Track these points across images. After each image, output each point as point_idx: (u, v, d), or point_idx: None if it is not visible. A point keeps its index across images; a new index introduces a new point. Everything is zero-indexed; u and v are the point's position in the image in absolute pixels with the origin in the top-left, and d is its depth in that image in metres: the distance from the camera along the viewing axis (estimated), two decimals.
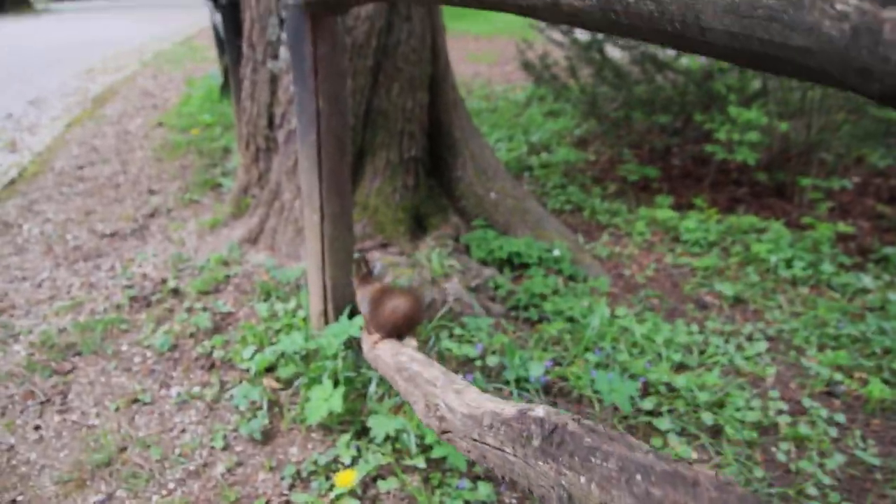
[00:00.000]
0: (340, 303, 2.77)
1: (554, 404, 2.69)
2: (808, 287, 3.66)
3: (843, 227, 4.09)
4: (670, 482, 0.88)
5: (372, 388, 2.57)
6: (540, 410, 1.18)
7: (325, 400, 2.42)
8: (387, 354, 2.16)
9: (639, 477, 0.92)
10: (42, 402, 2.67)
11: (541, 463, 1.08)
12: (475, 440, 1.37)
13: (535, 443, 1.12)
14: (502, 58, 10.59)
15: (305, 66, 2.27)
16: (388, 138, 3.61)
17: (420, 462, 2.31)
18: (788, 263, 3.82)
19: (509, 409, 1.28)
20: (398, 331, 2.32)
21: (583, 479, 0.99)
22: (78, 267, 3.76)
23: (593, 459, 0.99)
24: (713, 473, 0.88)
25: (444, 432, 1.57)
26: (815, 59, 0.60)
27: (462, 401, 1.51)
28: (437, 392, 1.62)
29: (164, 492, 2.27)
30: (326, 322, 2.80)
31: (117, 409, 2.64)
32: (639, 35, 0.85)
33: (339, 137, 2.45)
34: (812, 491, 2.33)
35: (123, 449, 2.44)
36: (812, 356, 3.09)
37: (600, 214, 4.56)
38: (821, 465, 2.46)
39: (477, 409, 1.41)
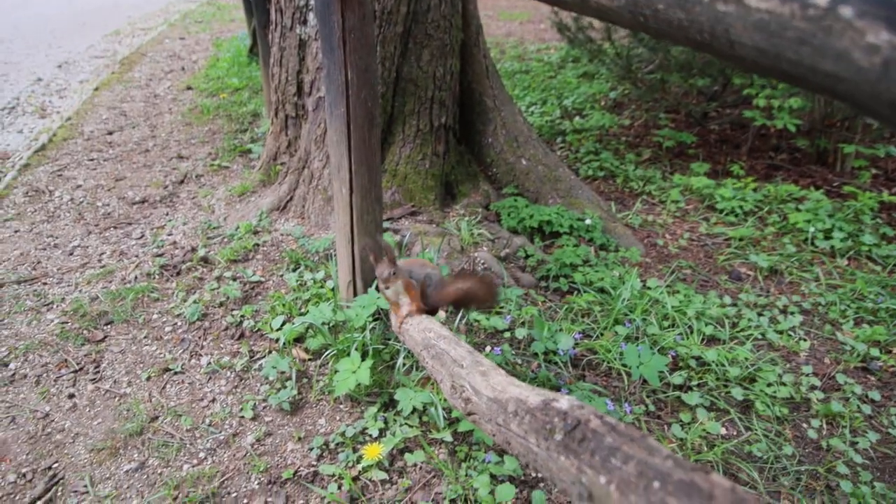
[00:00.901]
0: (369, 274, 2.76)
1: (582, 377, 2.67)
2: (846, 259, 3.56)
3: (887, 196, 3.96)
4: (686, 493, 0.87)
5: (399, 360, 2.57)
6: (563, 402, 1.16)
7: (353, 372, 2.43)
8: (415, 329, 2.15)
9: (656, 484, 0.90)
10: (75, 371, 2.72)
11: (563, 458, 1.07)
12: (500, 425, 1.35)
13: (558, 437, 1.10)
14: (536, 15, 10.39)
15: (334, 37, 2.22)
16: (419, 106, 3.56)
17: (447, 435, 2.32)
18: (827, 234, 3.71)
19: (534, 397, 1.26)
20: (459, 306, 2.40)
21: (602, 480, 0.98)
22: (109, 234, 3.80)
23: (613, 461, 0.98)
24: (730, 486, 0.85)
25: (470, 414, 1.56)
26: (844, 86, 0.58)
27: (488, 383, 1.50)
28: (463, 374, 1.61)
29: (194, 461, 2.31)
30: (355, 293, 2.80)
31: (149, 379, 2.68)
32: (668, 39, 0.84)
33: (369, 109, 2.41)
34: (843, 469, 2.29)
35: (155, 418, 2.48)
36: (848, 331, 3.02)
37: (634, 181, 4.47)
38: (853, 443, 2.42)
39: (502, 394, 1.39)
